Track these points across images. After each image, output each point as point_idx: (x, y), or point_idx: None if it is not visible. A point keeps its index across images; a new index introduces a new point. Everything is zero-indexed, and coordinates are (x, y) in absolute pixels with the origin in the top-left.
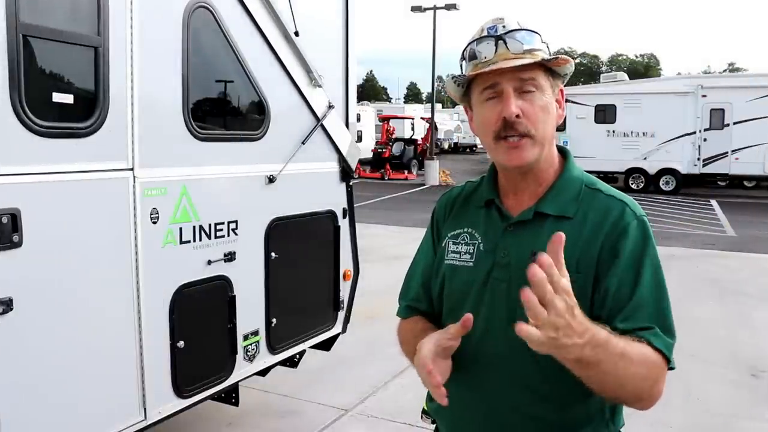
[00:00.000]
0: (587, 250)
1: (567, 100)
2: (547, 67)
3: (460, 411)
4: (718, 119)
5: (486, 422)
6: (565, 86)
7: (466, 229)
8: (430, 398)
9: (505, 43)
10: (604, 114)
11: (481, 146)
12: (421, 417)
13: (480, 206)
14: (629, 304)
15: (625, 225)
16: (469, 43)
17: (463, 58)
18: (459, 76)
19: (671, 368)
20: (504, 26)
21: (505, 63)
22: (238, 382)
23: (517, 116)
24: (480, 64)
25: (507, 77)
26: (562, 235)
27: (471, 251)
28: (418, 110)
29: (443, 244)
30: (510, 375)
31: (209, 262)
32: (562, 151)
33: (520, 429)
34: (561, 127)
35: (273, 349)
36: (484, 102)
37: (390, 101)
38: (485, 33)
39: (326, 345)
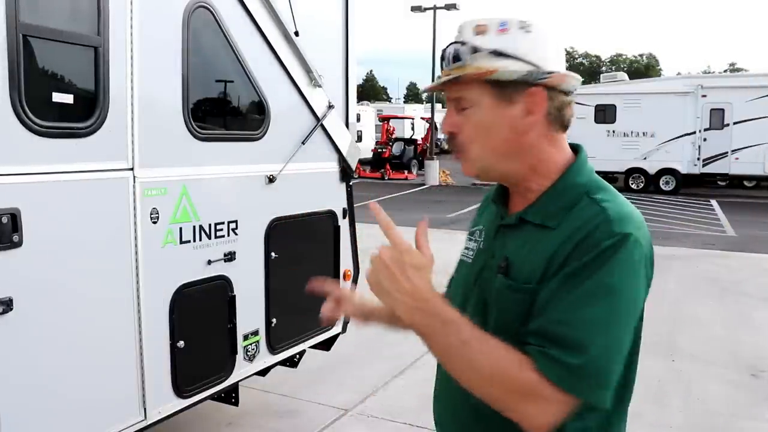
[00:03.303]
0: (552, 260)
1: None
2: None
3: (442, 409)
4: (718, 119)
5: (462, 423)
6: None
7: (478, 227)
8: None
9: (443, 57)
10: (604, 114)
11: None
12: None
13: (492, 205)
14: (545, 314)
15: (594, 242)
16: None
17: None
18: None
19: (586, 399)
20: (456, 36)
21: (437, 81)
22: (238, 382)
23: (451, 133)
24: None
25: (447, 93)
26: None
27: (475, 248)
28: (418, 110)
29: (465, 240)
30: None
31: (209, 262)
32: (578, 151)
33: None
34: None
35: (273, 349)
36: None
37: (390, 101)
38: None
39: (326, 345)
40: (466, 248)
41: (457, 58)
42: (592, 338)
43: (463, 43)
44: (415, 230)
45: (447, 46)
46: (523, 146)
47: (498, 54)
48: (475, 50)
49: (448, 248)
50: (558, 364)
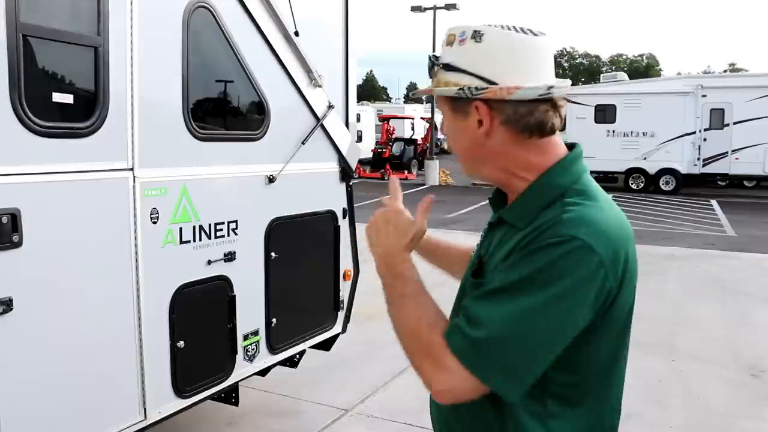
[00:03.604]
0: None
1: (566, 100)
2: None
3: (431, 404)
4: (718, 119)
5: (445, 419)
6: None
7: (486, 225)
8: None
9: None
10: (604, 114)
11: None
12: None
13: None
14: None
15: (539, 239)
16: None
17: None
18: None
19: (480, 379)
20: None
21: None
22: (238, 382)
23: (445, 135)
24: None
25: None
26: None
27: (478, 245)
28: (418, 110)
29: None
30: None
31: (209, 262)
32: (570, 149)
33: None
34: (561, 128)
35: (273, 349)
36: None
37: (390, 101)
38: None
39: (326, 345)
40: (477, 244)
41: (429, 67)
42: (495, 320)
43: (431, 55)
44: (420, 202)
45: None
46: (486, 154)
47: (449, 68)
48: (432, 65)
49: None
50: (459, 334)
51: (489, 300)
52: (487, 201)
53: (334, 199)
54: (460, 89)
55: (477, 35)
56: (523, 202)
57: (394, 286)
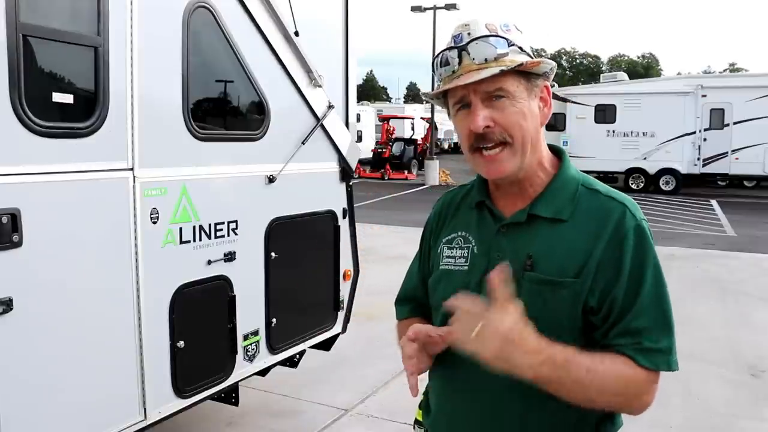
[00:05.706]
0: (587, 256)
1: (566, 100)
2: (522, 70)
3: (457, 418)
4: (718, 119)
5: (484, 430)
6: (565, 86)
7: (460, 233)
8: (426, 410)
9: (468, 53)
10: (604, 114)
11: None
12: (414, 427)
13: (472, 208)
14: (628, 314)
15: (626, 231)
16: (438, 54)
17: (433, 69)
18: (428, 93)
19: (674, 370)
20: (469, 33)
21: (467, 77)
22: (238, 382)
23: (487, 127)
24: (446, 78)
25: (472, 89)
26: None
27: (465, 255)
28: (418, 110)
29: (438, 251)
30: (508, 382)
31: (209, 262)
32: (557, 151)
33: None
34: (561, 127)
35: (273, 349)
36: (456, 114)
37: (390, 101)
38: (451, 42)
39: (326, 345)
40: (450, 257)
41: (494, 49)
42: (668, 316)
43: (502, 37)
44: (494, 278)
45: (477, 39)
46: (539, 138)
47: (522, 50)
48: (511, 44)
49: None
50: (656, 353)
51: (650, 309)
52: (476, 204)
53: (334, 199)
54: (551, 68)
55: (518, 27)
56: (555, 194)
57: (570, 372)
